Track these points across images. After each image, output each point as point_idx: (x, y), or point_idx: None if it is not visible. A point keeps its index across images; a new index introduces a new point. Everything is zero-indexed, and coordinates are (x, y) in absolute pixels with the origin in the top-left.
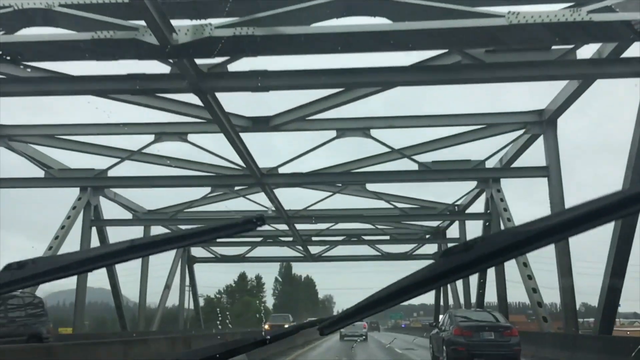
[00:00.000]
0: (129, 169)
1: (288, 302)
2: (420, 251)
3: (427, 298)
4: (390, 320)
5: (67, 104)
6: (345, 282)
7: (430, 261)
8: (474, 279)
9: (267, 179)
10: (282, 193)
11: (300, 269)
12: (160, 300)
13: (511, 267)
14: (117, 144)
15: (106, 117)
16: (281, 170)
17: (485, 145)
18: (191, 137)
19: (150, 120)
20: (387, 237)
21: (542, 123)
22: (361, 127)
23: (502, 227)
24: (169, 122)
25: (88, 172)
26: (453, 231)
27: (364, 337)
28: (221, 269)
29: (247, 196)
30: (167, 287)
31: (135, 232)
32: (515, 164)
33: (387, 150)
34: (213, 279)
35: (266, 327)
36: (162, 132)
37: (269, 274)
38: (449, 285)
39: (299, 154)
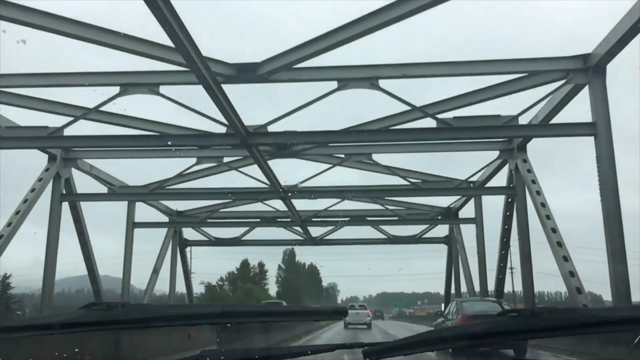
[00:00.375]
0: (88, 129)
1: (291, 290)
2: (429, 234)
3: (431, 286)
4: (394, 308)
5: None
6: (349, 270)
7: (441, 245)
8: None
9: (253, 139)
10: (276, 165)
11: (304, 256)
12: (148, 285)
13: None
14: (74, 99)
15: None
16: (271, 129)
17: (516, 101)
18: (163, 89)
19: (115, 69)
20: (394, 218)
21: (588, 70)
22: (368, 77)
23: (530, 203)
24: (137, 70)
25: (40, 131)
26: (466, 211)
27: (367, 325)
28: (223, 256)
29: (240, 169)
30: (156, 271)
31: (112, 208)
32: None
33: (400, 106)
34: (215, 265)
35: None
36: (129, 83)
37: (272, 261)
38: (462, 272)
39: (291, 110)
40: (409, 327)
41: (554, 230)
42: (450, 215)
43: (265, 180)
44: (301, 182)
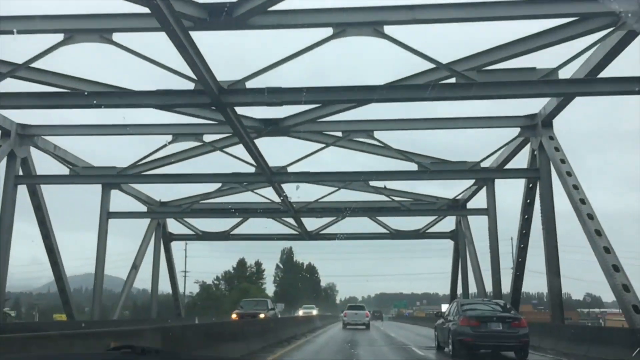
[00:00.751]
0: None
1: (289, 290)
2: (434, 229)
3: (430, 287)
4: (393, 309)
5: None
6: (348, 269)
7: (447, 240)
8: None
9: (228, 97)
10: (265, 147)
11: (303, 255)
12: (125, 282)
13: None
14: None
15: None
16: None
17: (555, 56)
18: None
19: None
20: (398, 207)
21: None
22: (370, 22)
23: (560, 187)
24: (85, 14)
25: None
26: (475, 203)
27: (366, 325)
28: (220, 254)
29: (225, 149)
30: (135, 267)
31: (76, 192)
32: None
33: (410, 60)
34: (211, 264)
35: (234, 316)
36: (75, 29)
37: (270, 260)
38: (470, 271)
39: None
40: (409, 328)
41: (591, 216)
42: (457, 207)
43: (252, 162)
44: (292, 164)
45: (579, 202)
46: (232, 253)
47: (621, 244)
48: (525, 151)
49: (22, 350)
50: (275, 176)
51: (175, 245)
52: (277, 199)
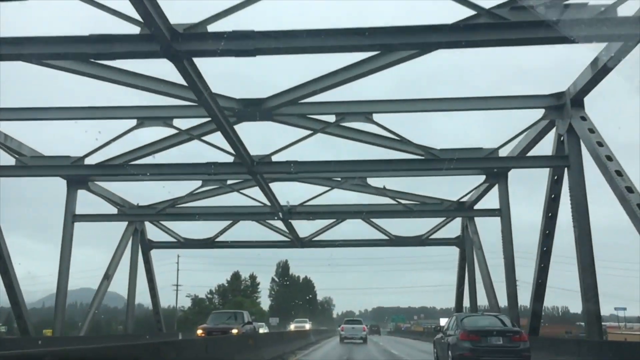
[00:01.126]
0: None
1: (285, 304)
2: (438, 235)
3: (428, 300)
4: (391, 323)
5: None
6: (345, 283)
7: (446, 252)
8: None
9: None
10: (246, 135)
11: (299, 268)
12: (96, 294)
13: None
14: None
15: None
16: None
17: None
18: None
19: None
20: (399, 209)
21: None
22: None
23: (592, 179)
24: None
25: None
26: (485, 204)
27: (363, 339)
28: (214, 267)
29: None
30: (107, 277)
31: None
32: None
33: None
34: (204, 277)
35: (199, 332)
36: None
37: (266, 273)
38: (480, 280)
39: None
40: (409, 344)
41: None
42: (464, 209)
43: (231, 150)
44: (276, 152)
45: (625, 191)
46: (226, 266)
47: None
48: (549, 138)
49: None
50: (257, 166)
51: (167, 258)
52: (265, 201)
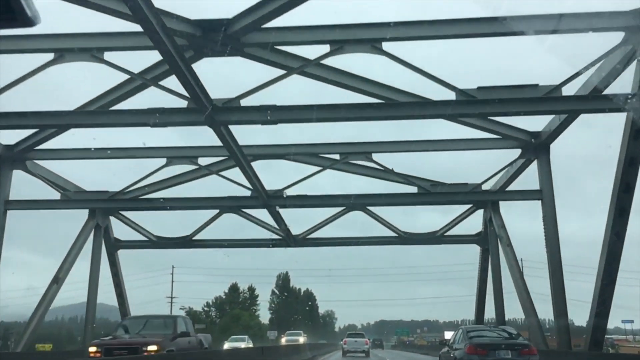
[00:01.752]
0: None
1: (285, 317)
2: (455, 231)
3: (431, 314)
4: (394, 336)
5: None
6: (347, 295)
7: (473, 246)
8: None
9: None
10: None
11: (299, 279)
12: (41, 302)
13: None
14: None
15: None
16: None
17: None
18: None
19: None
20: (413, 192)
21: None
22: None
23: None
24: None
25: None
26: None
27: (365, 353)
28: (211, 279)
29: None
30: (56, 281)
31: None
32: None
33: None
34: (201, 290)
35: (91, 350)
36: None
37: (265, 284)
38: (517, 293)
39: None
40: (416, 358)
41: None
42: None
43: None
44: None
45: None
46: (224, 277)
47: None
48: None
49: None
50: (221, 113)
51: (162, 269)
52: (246, 184)
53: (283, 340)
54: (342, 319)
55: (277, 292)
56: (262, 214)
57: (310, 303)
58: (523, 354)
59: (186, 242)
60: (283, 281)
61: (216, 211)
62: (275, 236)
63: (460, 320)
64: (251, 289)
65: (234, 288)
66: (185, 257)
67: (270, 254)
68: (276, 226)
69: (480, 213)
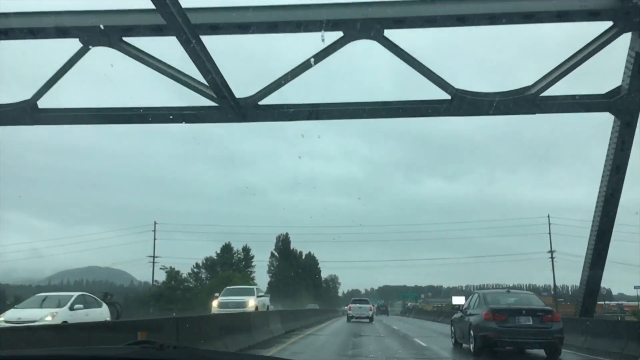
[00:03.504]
0: None
1: (285, 280)
2: (556, 89)
3: (434, 280)
4: (397, 301)
5: None
6: (350, 261)
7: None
8: None
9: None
10: None
11: (300, 244)
12: None
13: None
14: None
15: None
16: None
17: None
18: None
19: None
20: None
21: None
22: None
23: None
24: None
25: None
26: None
27: (369, 318)
28: (201, 238)
29: None
30: None
31: None
32: None
33: None
34: (192, 252)
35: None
36: None
37: (263, 246)
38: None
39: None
40: (433, 328)
41: None
42: None
43: None
44: None
45: None
46: (217, 235)
47: None
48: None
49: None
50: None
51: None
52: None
53: (215, 305)
54: (345, 284)
55: (277, 255)
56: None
57: (312, 267)
58: (545, 321)
59: (31, 108)
60: (283, 243)
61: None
62: (208, 102)
63: (464, 285)
64: (246, 250)
65: (226, 248)
66: (177, 214)
67: (270, 216)
68: (205, 82)
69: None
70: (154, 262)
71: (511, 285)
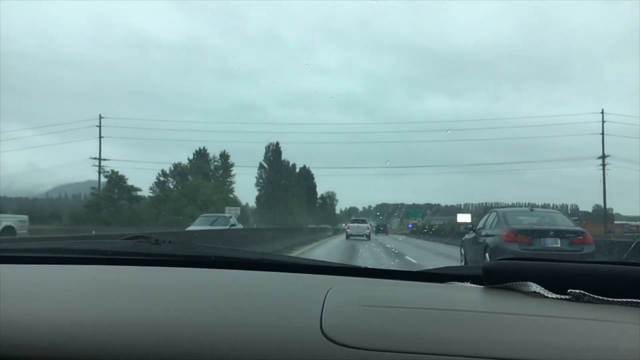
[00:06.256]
0: None
1: (276, 194)
2: None
3: (431, 198)
4: (396, 219)
5: None
6: (348, 180)
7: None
8: None
9: None
10: None
11: (293, 157)
12: None
13: None
14: None
15: None
16: None
17: None
18: None
19: None
20: None
21: None
22: None
23: None
24: None
25: None
26: None
27: (367, 237)
28: (177, 144)
29: None
30: None
31: None
32: None
33: None
34: (156, 157)
35: None
36: None
37: (248, 155)
38: None
39: None
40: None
41: None
42: None
43: None
44: None
45: None
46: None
47: None
48: None
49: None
50: None
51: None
52: None
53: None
54: (342, 202)
55: (266, 166)
56: None
57: (307, 182)
58: (575, 243)
59: None
60: (273, 153)
61: None
62: None
63: (462, 204)
64: (224, 156)
65: (200, 154)
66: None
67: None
68: None
69: None
70: (100, 166)
71: (510, 204)
